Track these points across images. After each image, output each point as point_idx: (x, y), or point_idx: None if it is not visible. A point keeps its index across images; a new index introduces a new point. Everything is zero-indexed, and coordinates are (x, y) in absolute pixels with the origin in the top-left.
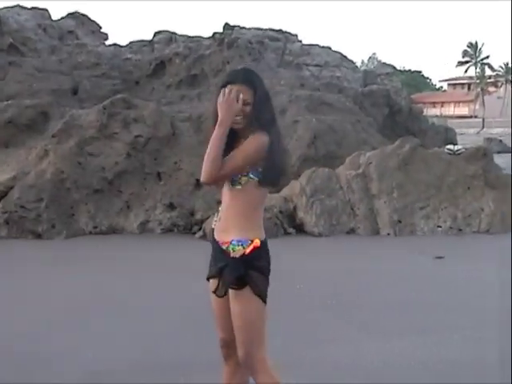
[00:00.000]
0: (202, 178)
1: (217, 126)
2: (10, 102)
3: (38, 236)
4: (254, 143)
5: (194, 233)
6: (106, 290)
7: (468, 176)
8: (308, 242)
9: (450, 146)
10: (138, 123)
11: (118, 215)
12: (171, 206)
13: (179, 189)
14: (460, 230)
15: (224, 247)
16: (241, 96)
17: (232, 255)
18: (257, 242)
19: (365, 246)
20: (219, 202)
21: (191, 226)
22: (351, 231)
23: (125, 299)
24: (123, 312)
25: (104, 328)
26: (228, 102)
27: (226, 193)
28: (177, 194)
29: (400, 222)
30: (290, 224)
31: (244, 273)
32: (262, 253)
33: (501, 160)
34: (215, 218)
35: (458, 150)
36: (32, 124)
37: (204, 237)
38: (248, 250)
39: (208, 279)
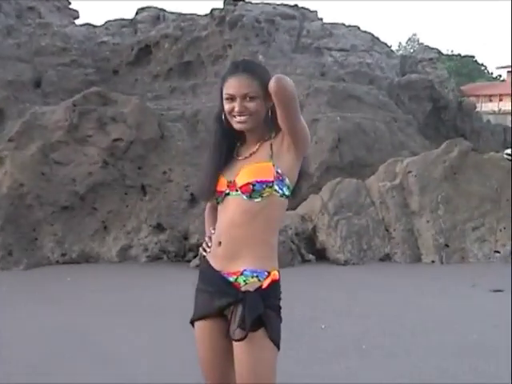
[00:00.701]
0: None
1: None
2: None
3: None
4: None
5: (189, 261)
6: (75, 335)
7: None
8: (332, 271)
9: (511, 151)
10: (116, 123)
11: (92, 239)
12: (159, 228)
13: (169, 206)
14: None
15: (231, 278)
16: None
17: (244, 288)
18: (275, 275)
19: (403, 276)
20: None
21: (184, 252)
22: (386, 258)
23: (98, 346)
24: (96, 363)
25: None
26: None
27: (232, 206)
28: (166, 212)
29: (447, 246)
30: (309, 249)
31: (261, 312)
32: (278, 288)
33: None
34: (206, 240)
35: None
36: None
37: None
38: (265, 284)
39: (195, 320)
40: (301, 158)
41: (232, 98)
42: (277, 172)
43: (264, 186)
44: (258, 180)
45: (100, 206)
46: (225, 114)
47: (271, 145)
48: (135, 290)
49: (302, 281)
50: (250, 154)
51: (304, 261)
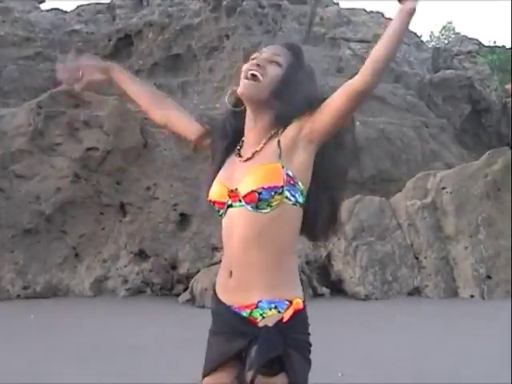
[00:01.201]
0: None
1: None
2: None
3: None
4: None
5: (177, 294)
6: None
7: None
8: (350, 308)
9: None
10: (91, 129)
11: (60, 268)
12: (142, 255)
13: (154, 228)
14: None
15: (245, 313)
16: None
17: (261, 324)
18: (298, 304)
19: (436, 314)
20: (215, 249)
21: (172, 284)
22: (415, 292)
23: None
24: None
25: None
26: None
27: (237, 221)
28: (150, 236)
29: (489, 277)
30: (323, 281)
31: (281, 352)
32: (304, 319)
33: None
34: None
35: None
36: None
37: (192, 301)
38: (287, 316)
39: (206, 375)
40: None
41: (254, 58)
42: (287, 175)
43: (272, 194)
44: (265, 186)
45: (70, 228)
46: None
47: (279, 141)
48: (111, 331)
49: (315, 319)
50: (253, 154)
51: (316, 295)
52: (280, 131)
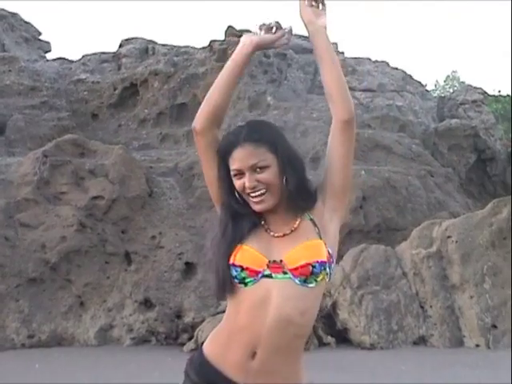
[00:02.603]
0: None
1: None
2: None
3: None
4: None
5: (183, 343)
6: None
7: None
8: (355, 357)
9: None
10: (96, 178)
11: (65, 317)
12: (147, 304)
13: (159, 277)
14: None
15: None
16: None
17: None
18: None
19: (442, 363)
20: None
21: (177, 333)
22: (421, 341)
23: None
24: None
25: None
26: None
27: (276, 293)
28: (155, 285)
29: (495, 327)
30: (328, 330)
31: None
32: None
33: None
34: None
35: None
36: None
37: (197, 350)
38: None
39: None
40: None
41: (240, 174)
42: (328, 252)
43: (322, 269)
44: (319, 260)
45: (75, 277)
46: (239, 193)
47: (312, 219)
48: (117, 381)
49: (320, 369)
50: (292, 231)
51: (322, 344)
52: (308, 208)
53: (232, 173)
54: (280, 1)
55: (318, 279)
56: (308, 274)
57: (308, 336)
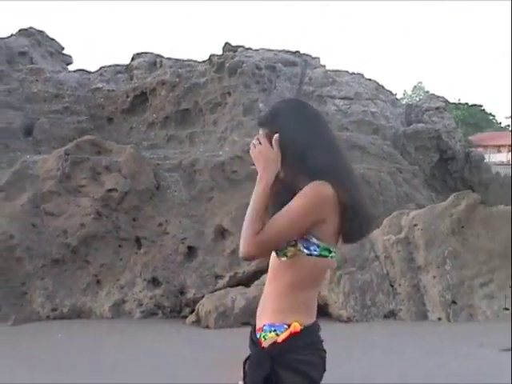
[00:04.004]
0: (241, 253)
1: (256, 183)
2: None
3: None
4: (301, 199)
5: (185, 316)
6: None
7: None
8: (333, 329)
9: None
10: (111, 173)
11: (84, 293)
12: (154, 282)
13: (165, 259)
14: None
15: (258, 335)
16: (275, 137)
17: (264, 344)
18: (296, 327)
19: (409, 334)
20: (218, 277)
21: (181, 307)
22: (390, 315)
23: None
24: None
25: None
26: (261, 152)
27: (270, 265)
28: (162, 265)
29: (455, 302)
30: None
31: (270, 371)
32: (303, 342)
33: None
34: None
35: None
36: None
37: (198, 322)
38: (281, 338)
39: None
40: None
41: None
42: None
43: (285, 245)
44: None
45: (93, 259)
46: None
47: None
48: (128, 348)
49: None
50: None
51: None
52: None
53: None
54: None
55: (288, 254)
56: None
57: (296, 289)
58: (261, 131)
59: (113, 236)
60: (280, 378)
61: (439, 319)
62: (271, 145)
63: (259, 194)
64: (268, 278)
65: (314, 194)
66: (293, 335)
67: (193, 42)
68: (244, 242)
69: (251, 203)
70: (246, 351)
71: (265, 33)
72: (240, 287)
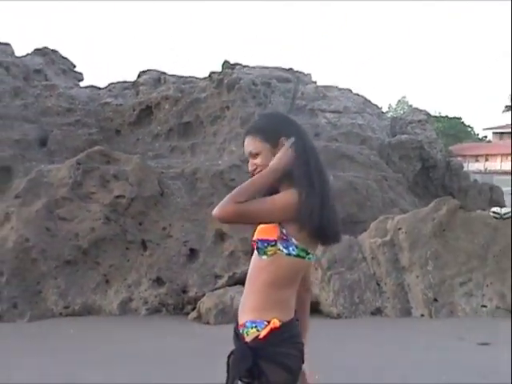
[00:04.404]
0: (215, 212)
1: (267, 168)
2: None
3: None
4: (281, 198)
5: (187, 313)
6: None
7: None
8: (324, 325)
9: (497, 209)
10: (118, 181)
11: (94, 292)
12: (159, 281)
13: (169, 260)
14: (509, 310)
15: (240, 331)
16: (291, 141)
17: (247, 339)
18: (275, 323)
19: (394, 329)
20: (217, 277)
21: (183, 305)
22: (377, 312)
23: None
24: None
25: None
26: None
27: (251, 264)
28: (166, 266)
29: (436, 300)
30: None
31: (252, 364)
32: (282, 337)
33: None
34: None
35: (506, 214)
36: None
37: (198, 318)
38: (262, 334)
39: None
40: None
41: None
42: (281, 232)
43: (266, 245)
44: (260, 238)
45: (102, 260)
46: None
47: None
48: (135, 343)
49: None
50: None
51: None
52: None
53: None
54: (280, 1)
55: (269, 253)
56: (255, 247)
57: (274, 287)
58: (250, 139)
59: (120, 239)
60: (262, 370)
61: (422, 316)
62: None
63: (263, 175)
64: (248, 277)
65: (286, 198)
66: (273, 331)
67: (194, 60)
68: (223, 204)
69: (252, 179)
70: None
71: (261, 52)
72: (238, 286)
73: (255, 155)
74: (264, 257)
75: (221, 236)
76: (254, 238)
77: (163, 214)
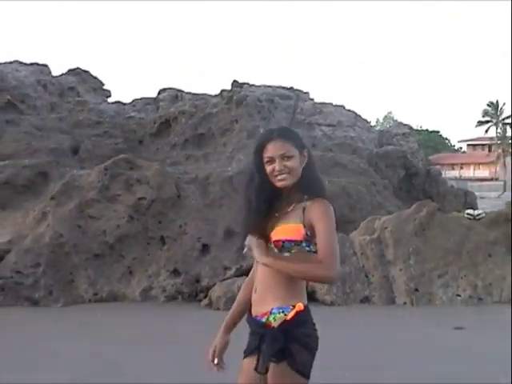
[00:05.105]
0: (330, 281)
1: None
2: (7, 162)
3: (35, 303)
4: (330, 216)
5: (200, 300)
6: (104, 361)
7: (489, 242)
8: (319, 311)
9: (470, 211)
10: (141, 184)
11: (119, 281)
12: (175, 272)
13: (184, 254)
14: (480, 299)
15: (264, 319)
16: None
17: (272, 325)
18: (299, 306)
19: (380, 315)
20: (226, 268)
21: (196, 293)
22: (365, 300)
23: (124, 371)
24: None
25: None
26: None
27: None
28: (181, 259)
29: (417, 290)
30: None
31: (284, 345)
32: (306, 318)
33: None
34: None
35: (478, 215)
36: (30, 185)
37: (210, 305)
38: (290, 316)
39: (244, 357)
40: None
41: (271, 161)
42: (306, 234)
43: (292, 244)
44: (288, 239)
45: (126, 253)
46: (266, 175)
47: (304, 209)
48: (155, 325)
49: None
50: (285, 214)
51: None
52: (305, 198)
53: (265, 160)
54: (280, 1)
55: (292, 251)
56: (279, 246)
57: (290, 278)
58: (282, 142)
59: (142, 235)
60: (290, 351)
61: (404, 303)
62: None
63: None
64: (264, 271)
65: (331, 213)
66: (298, 313)
67: (207, 80)
68: (327, 276)
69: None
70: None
71: (266, 72)
72: (244, 277)
73: (289, 158)
74: (286, 254)
75: (229, 233)
76: (277, 237)
77: (180, 214)
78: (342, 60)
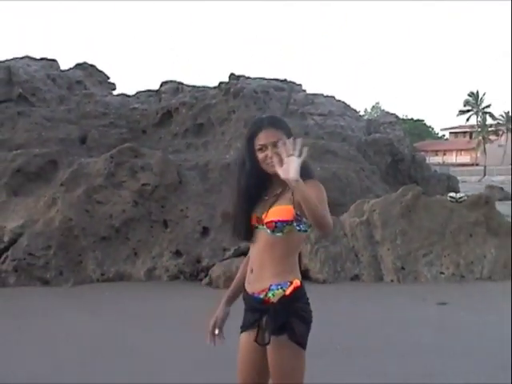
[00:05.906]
0: (328, 232)
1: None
2: (19, 151)
3: (46, 283)
4: (321, 189)
5: (201, 279)
6: (113, 337)
7: (470, 223)
8: (312, 288)
9: (453, 194)
10: (144, 171)
11: (125, 262)
12: (178, 253)
13: (185, 236)
14: (462, 276)
15: (262, 296)
16: (291, 143)
17: (272, 300)
18: (297, 282)
19: (368, 292)
20: (225, 249)
21: (197, 272)
22: (355, 278)
23: (132, 345)
24: (132, 360)
25: (113, 374)
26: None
27: (260, 241)
28: (183, 241)
29: (403, 268)
30: None
31: (285, 320)
32: (301, 293)
33: (502, 207)
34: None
35: (460, 198)
36: (41, 172)
37: (210, 284)
38: (288, 291)
39: (242, 332)
40: None
41: (263, 148)
42: (296, 214)
43: (284, 225)
44: (280, 219)
45: (131, 236)
46: (257, 162)
47: (293, 192)
48: (160, 303)
49: None
50: (275, 196)
51: None
52: None
53: (257, 147)
54: (280, 1)
55: (284, 231)
56: (273, 227)
57: (289, 255)
58: (273, 131)
59: (146, 219)
60: (290, 324)
61: (392, 281)
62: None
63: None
64: (258, 251)
65: (322, 188)
66: (296, 288)
67: (206, 73)
68: (329, 224)
69: (312, 198)
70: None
71: (261, 65)
72: (242, 257)
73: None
74: (279, 234)
75: (228, 216)
76: (269, 219)
77: (181, 199)
78: (342, 60)
